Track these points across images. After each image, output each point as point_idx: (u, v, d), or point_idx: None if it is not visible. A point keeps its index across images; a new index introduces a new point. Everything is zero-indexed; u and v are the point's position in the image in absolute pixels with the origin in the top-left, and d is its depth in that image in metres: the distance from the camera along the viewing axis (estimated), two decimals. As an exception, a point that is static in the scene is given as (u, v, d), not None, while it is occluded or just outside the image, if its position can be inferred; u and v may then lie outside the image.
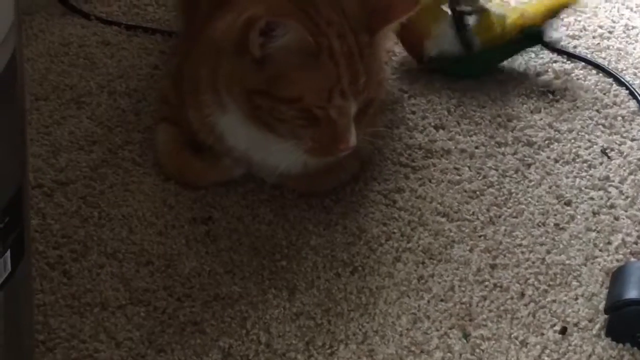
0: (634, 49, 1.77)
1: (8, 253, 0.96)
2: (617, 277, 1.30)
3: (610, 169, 1.52)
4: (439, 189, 1.47)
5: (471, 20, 1.63)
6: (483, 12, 1.63)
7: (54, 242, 1.35)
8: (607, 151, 1.55)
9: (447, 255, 1.37)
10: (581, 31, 1.80)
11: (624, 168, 1.52)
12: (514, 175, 1.50)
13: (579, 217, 1.43)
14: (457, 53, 1.62)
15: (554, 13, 1.67)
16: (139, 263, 1.33)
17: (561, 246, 1.39)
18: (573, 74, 1.70)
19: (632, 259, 1.37)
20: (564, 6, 1.67)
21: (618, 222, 1.43)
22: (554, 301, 1.31)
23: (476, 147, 1.54)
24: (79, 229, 1.37)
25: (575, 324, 1.28)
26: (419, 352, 1.24)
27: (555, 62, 1.73)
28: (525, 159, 1.53)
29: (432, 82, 1.66)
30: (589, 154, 1.54)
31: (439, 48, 1.62)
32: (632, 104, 1.65)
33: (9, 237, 0.96)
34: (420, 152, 1.53)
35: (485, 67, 1.67)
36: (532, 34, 1.65)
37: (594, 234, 1.41)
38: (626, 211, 1.45)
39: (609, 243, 1.39)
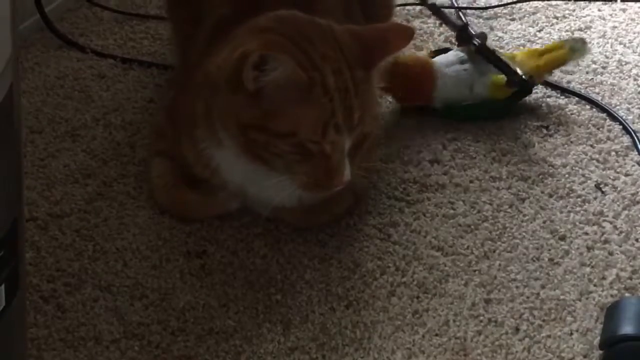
0: (627, 84, 1.78)
1: (2, 287, 0.95)
2: (612, 312, 1.30)
3: (605, 204, 1.52)
4: (433, 223, 1.47)
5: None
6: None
7: (48, 276, 1.34)
8: (601, 186, 1.55)
9: (442, 289, 1.36)
10: (575, 66, 1.81)
11: (618, 203, 1.52)
12: (509, 210, 1.50)
13: (573, 252, 1.43)
14: (463, 99, 1.64)
15: (548, 70, 1.71)
16: (133, 297, 1.32)
17: (556, 281, 1.39)
18: (567, 109, 1.71)
19: (627, 294, 1.37)
20: (561, 64, 1.71)
21: (612, 257, 1.43)
22: (549, 336, 1.31)
23: (471, 182, 1.55)
24: (73, 262, 1.37)
25: (570, 359, 1.28)
26: (413, 387, 1.24)
27: (549, 97, 1.74)
28: (520, 193, 1.53)
29: (426, 117, 1.66)
30: (583, 189, 1.55)
31: (447, 95, 1.64)
32: (626, 139, 1.65)
33: (4, 271, 0.95)
34: (415, 186, 1.53)
35: (491, 112, 1.68)
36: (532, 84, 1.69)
37: (588, 269, 1.41)
38: (620, 246, 1.45)
39: (604, 278, 1.39)
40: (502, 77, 1.64)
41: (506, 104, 1.67)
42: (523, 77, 1.63)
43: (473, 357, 1.28)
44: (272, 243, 1.42)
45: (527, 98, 1.72)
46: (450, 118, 1.66)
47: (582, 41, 1.73)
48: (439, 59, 1.68)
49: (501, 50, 1.76)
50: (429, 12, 1.97)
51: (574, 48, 1.71)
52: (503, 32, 1.91)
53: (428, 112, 1.66)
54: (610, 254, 1.43)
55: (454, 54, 1.69)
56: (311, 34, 1.32)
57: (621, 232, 1.47)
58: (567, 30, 1.92)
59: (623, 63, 1.84)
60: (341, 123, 1.29)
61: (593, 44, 1.88)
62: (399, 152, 1.59)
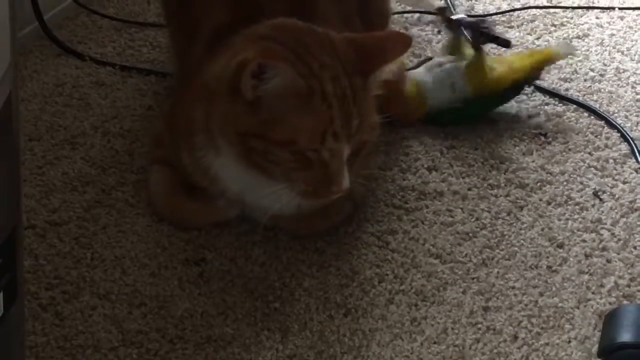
0: (625, 92, 1.79)
1: (1, 295, 0.95)
2: (610, 320, 1.30)
3: (603, 212, 1.52)
4: (431, 230, 1.47)
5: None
6: (478, 52, 1.65)
7: (46, 283, 1.34)
8: (599, 194, 1.55)
9: (440, 297, 1.36)
10: (573, 74, 1.82)
11: (616, 210, 1.52)
12: (507, 218, 1.50)
13: (571, 259, 1.44)
14: (448, 103, 1.64)
15: (539, 68, 1.70)
16: (132, 304, 1.32)
17: (554, 289, 1.39)
18: (565, 117, 1.71)
19: (625, 302, 1.37)
20: (549, 62, 1.71)
21: (610, 264, 1.43)
22: (547, 344, 1.31)
23: (469, 189, 1.55)
24: (71, 270, 1.37)
25: (569, 367, 1.28)
26: (412, 395, 1.24)
27: (547, 104, 1.74)
28: (518, 201, 1.53)
29: (425, 125, 1.66)
30: (581, 197, 1.55)
31: (431, 102, 1.64)
32: (624, 146, 1.65)
33: (2, 279, 0.95)
34: (413, 194, 1.53)
35: (476, 114, 1.68)
36: (519, 86, 1.69)
37: (586, 277, 1.41)
38: (618, 254, 1.45)
39: (602, 286, 1.39)
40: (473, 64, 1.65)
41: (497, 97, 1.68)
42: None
43: (471, 364, 1.28)
44: (271, 251, 1.42)
45: (525, 106, 1.72)
46: (444, 121, 1.66)
47: (570, 44, 1.78)
48: (424, 66, 1.69)
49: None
50: (427, 20, 1.97)
51: (562, 48, 1.73)
52: (501, 40, 1.91)
53: (426, 119, 1.67)
54: (609, 261, 1.43)
55: (436, 59, 1.70)
56: (309, 42, 1.33)
57: (619, 239, 1.47)
58: (565, 38, 1.93)
59: (621, 71, 1.84)
60: (340, 131, 1.30)
61: (591, 51, 1.89)
62: (397, 159, 1.60)
